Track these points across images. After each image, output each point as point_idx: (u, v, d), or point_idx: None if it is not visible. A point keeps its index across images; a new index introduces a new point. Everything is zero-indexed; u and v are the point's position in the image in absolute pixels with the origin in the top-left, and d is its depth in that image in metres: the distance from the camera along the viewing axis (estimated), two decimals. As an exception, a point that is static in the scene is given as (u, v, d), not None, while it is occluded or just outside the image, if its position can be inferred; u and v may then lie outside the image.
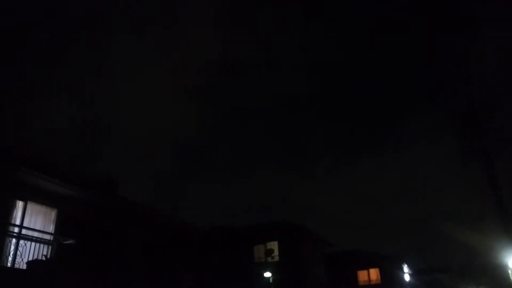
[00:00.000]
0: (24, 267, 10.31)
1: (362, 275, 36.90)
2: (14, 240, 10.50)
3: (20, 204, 11.13)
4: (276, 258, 26.74)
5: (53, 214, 12.02)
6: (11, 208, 10.87)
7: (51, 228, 11.84)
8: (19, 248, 10.40)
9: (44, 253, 11.02)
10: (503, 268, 17.06)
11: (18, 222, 10.93)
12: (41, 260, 10.66)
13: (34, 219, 11.47)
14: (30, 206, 11.38)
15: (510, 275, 13.15)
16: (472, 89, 14.18)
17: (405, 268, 42.28)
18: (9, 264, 10.23)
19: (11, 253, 10.33)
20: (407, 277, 41.83)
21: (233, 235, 29.13)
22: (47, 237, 11.49)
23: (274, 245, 27.23)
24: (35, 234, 11.04)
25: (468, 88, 14.22)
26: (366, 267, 36.71)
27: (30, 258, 10.45)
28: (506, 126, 14.07)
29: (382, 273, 36.30)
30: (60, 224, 12.00)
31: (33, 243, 10.75)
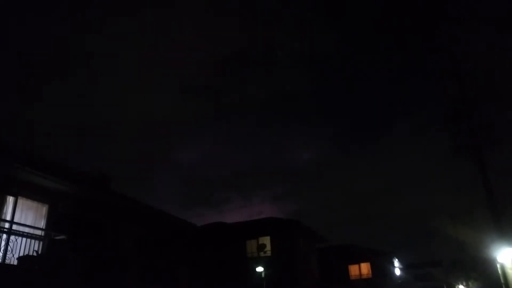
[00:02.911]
0: (15, 262, 10.23)
1: (354, 270, 37.19)
2: (4, 236, 10.41)
3: (10, 199, 11.02)
4: (268, 253, 26.86)
5: (44, 209, 11.93)
6: (1, 203, 10.76)
7: (42, 224, 11.75)
8: (10, 243, 10.30)
9: (36, 248, 10.94)
10: (492, 262, 17.28)
11: (8, 217, 10.82)
12: (33, 256, 10.59)
13: (25, 215, 11.36)
14: (21, 201, 11.27)
15: (499, 269, 13.30)
16: (462, 84, 14.26)
17: (396, 263, 42.74)
18: (0, 260, 10.14)
19: (2, 248, 10.23)
20: (397, 271, 42.29)
21: (226, 231, 29.21)
22: (39, 232, 11.40)
23: (266, 240, 27.34)
24: (26, 229, 10.94)
25: (459, 83, 14.30)
26: (357, 261, 37.02)
27: (21, 254, 10.37)
28: (496, 122, 14.20)
29: (373, 268, 36.62)
30: (51, 219, 11.91)
31: (24, 239, 10.66)
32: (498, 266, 13.11)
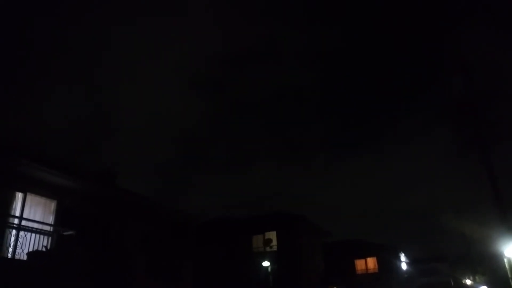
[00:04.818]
0: (25, 258, 10.37)
1: (360, 264, 37.22)
2: (14, 231, 10.54)
3: (19, 196, 11.14)
4: (275, 248, 26.95)
5: (52, 205, 12.05)
6: (10, 199, 10.88)
7: (50, 219, 11.87)
8: (19, 239, 10.43)
9: (45, 244, 11.06)
10: (499, 257, 17.21)
11: (18, 213, 10.95)
12: (42, 251, 10.72)
13: (33, 210, 11.49)
14: (30, 197, 11.39)
15: (506, 264, 13.26)
16: (468, 79, 14.14)
17: (402, 257, 42.66)
18: (9, 255, 10.28)
19: (12, 244, 10.37)
20: (404, 266, 42.22)
21: (232, 226, 29.32)
22: (47, 228, 11.52)
23: (272, 235, 27.43)
24: (35, 225, 11.07)
25: (465, 78, 14.18)
26: (364, 256, 37.03)
27: (31, 249, 10.50)
28: (502, 116, 14.09)
29: (379, 262, 36.62)
30: (60, 215, 12.03)
31: (33, 234, 10.78)
32: (505, 260, 13.08)
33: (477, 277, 38.57)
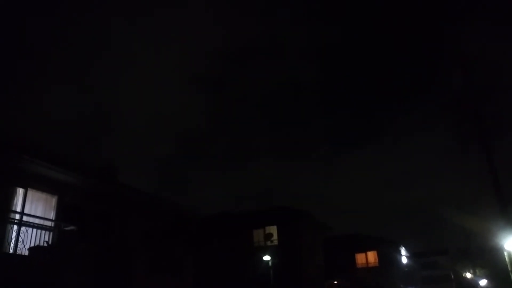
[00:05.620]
0: (27, 253, 10.41)
1: (360, 258, 37.38)
2: (15, 227, 10.58)
3: (20, 191, 11.17)
4: (275, 242, 27.02)
5: (53, 200, 12.07)
6: (11, 195, 10.91)
7: (51, 215, 11.90)
8: (20, 234, 10.48)
9: (46, 239, 11.11)
10: (499, 250, 17.26)
11: (19, 209, 10.98)
12: (43, 246, 10.76)
13: (34, 206, 11.51)
14: (31, 193, 11.41)
15: (506, 257, 13.30)
16: (468, 76, 14.09)
17: (403, 251, 42.82)
18: (11, 251, 10.32)
19: (13, 239, 10.42)
20: (404, 260, 42.41)
21: (233, 221, 29.40)
22: (48, 223, 11.56)
23: (273, 229, 27.50)
24: (36, 220, 11.11)
25: (464, 75, 14.13)
26: (364, 250, 37.19)
27: (32, 244, 10.55)
28: (503, 110, 14.06)
29: (379, 256, 36.78)
30: (61, 210, 12.05)
31: (34, 230, 10.83)
32: (506, 253, 13.11)
33: (477, 270, 38.71)
